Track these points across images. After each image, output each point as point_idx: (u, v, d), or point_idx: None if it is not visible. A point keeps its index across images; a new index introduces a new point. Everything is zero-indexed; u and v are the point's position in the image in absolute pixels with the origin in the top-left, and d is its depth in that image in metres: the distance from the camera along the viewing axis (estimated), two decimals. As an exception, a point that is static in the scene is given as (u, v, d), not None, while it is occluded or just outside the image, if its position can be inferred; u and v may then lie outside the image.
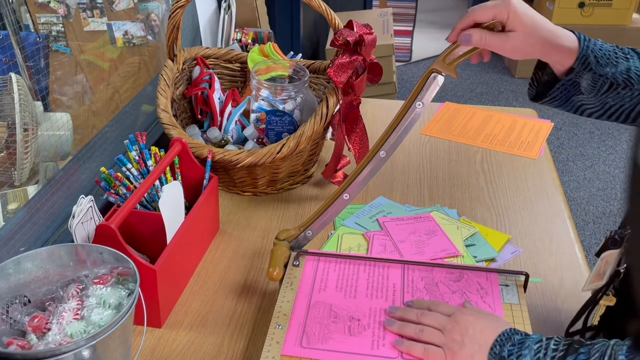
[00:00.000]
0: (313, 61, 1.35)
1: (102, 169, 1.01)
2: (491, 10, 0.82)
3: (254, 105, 1.25)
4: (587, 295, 0.84)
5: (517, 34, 0.81)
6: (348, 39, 1.12)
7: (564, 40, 0.83)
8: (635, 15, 3.95)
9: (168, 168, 1.05)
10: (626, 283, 0.79)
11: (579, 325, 0.86)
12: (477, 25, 0.85)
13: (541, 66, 0.92)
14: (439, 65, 0.87)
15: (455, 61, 0.87)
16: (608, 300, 0.80)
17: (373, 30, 1.14)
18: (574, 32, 0.85)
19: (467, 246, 1.08)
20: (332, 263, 0.97)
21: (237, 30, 1.76)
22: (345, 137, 1.21)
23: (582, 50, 0.84)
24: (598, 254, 0.83)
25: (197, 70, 1.35)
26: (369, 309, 0.88)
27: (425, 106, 0.89)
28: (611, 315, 0.82)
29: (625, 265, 0.78)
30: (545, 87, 0.91)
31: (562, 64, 0.85)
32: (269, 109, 1.23)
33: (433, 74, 0.87)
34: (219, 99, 1.34)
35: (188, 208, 1.04)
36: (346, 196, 0.95)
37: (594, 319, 0.83)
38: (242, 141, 1.29)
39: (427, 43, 4.66)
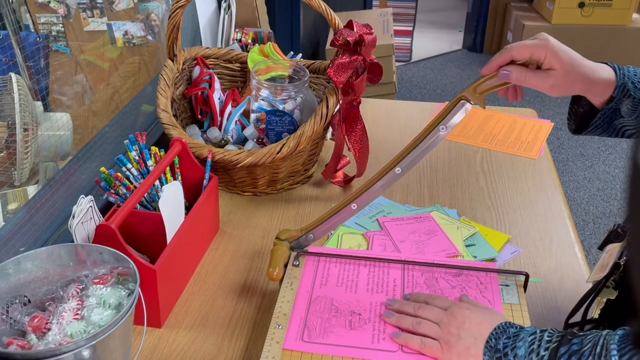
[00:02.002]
0: (313, 61, 1.35)
1: (102, 169, 1.01)
2: (529, 49, 0.83)
3: (254, 105, 1.25)
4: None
5: (557, 72, 0.82)
6: (348, 39, 1.12)
7: (601, 74, 0.85)
8: (635, 15, 3.95)
9: (168, 168, 1.05)
10: (626, 276, 0.80)
11: (578, 317, 0.87)
12: (513, 61, 0.85)
13: (576, 99, 0.94)
14: (469, 93, 0.87)
15: (486, 92, 0.87)
16: (609, 294, 0.81)
17: (373, 30, 1.14)
18: (607, 64, 0.87)
19: (467, 246, 1.08)
20: (332, 263, 0.97)
21: (237, 30, 1.76)
22: (345, 137, 1.21)
23: (619, 79, 0.86)
24: (601, 247, 0.84)
25: (197, 70, 1.35)
26: (370, 303, 0.89)
27: (448, 131, 0.89)
28: (612, 308, 0.83)
29: (625, 258, 0.79)
30: (585, 118, 0.93)
31: (602, 96, 0.87)
32: (269, 109, 1.23)
33: (462, 101, 0.87)
34: (219, 99, 1.34)
35: (188, 208, 1.04)
36: (354, 206, 0.95)
37: (595, 312, 0.84)
38: (242, 141, 1.29)
39: (427, 43, 4.66)
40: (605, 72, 0.86)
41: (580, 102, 0.93)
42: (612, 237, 0.82)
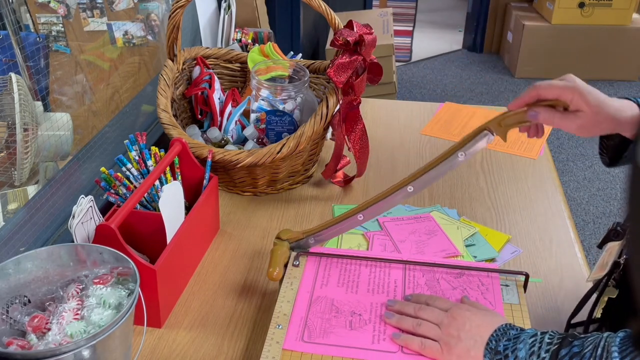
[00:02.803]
0: (313, 61, 1.35)
1: (102, 169, 1.01)
2: (557, 90, 0.83)
3: (254, 105, 1.25)
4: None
5: (585, 114, 0.82)
6: (348, 39, 1.12)
7: (627, 113, 0.84)
8: (635, 15, 3.95)
9: (168, 168, 1.05)
10: (626, 274, 0.80)
11: (580, 317, 0.87)
12: (540, 99, 0.85)
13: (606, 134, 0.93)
14: (494, 125, 0.87)
15: (511, 127, 0.87)
16: (610, 292, 0.81)
17: (373, 30, 1.14)
18: (629, 99, 0.87)
19: (467, 246, 1.08)
20: (333, 263, 0.97)
21: (237, 30, 1.76)
22: (345, 137, 1.21)
23: None
24: (600, 246, 0.84)
25: (197, 70, 1.35)
26: (370, 304, 0.89)
27: (467, 158, 0.89)
28: (613, 308, 0.83)
29: (625, 257, 0.79)
30: (617, 151, 0.92)
31: (630, 132, 0.86)
32: (269, 109, 1.23)
33: (485, 132, 0.88)
34: (219, 99, 1.34)
35: (188, 208, 1.04)
36: (360, 217, 0.95)
37: (597, 311, 0.84)
38: (242, 141, 1.29)
39: (427, 43, 4.66)
40: (630, 109, 0.85)
41: (610, 135, 0.92)
42: (611, 235, 0.82)
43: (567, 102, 0.83)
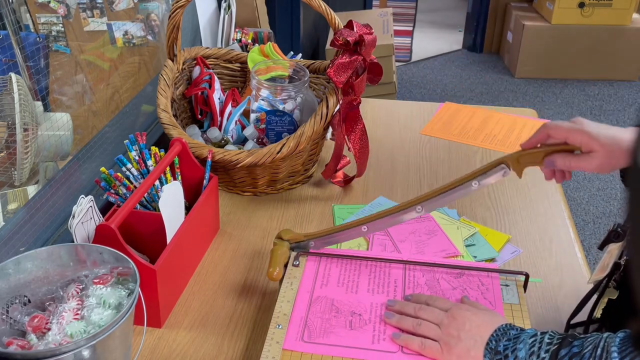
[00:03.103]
0: (313, 61, 1.35)
1: (102, 169, 1.01)
2: (565, 132, 0.83)
3: (254, 105, 1.25)
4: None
5: (599, 153, 0.82)
6: (348, 39, 1.12)
7: None
8: (635, 15, 3.95)
9: (168, 168, 1.05)
10: (626, 276, 0.80)
11: (580, 317, 0.87)
12: (550, 139, 0.86)
13: None
14: (512, 161, 0.87)
15: (528, 165, 0.88)
16: (610, 293, 0.81)
17: (373, 30, 1.14)
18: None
19: (467, 246, 1.08)
20: (333, 263, 0.97)
21: (237, 30, 1.76)
22: (345, 137, 1.21)
23: None
24: (601, 247, 0.84)
25: (197, 70, 1.35)
26: (370, 304, 0.89)
27: (480, 187, 0.89)
28: (613, 308, 0.83)
29: (625, 258, 0.79)
30: None
31: None
32: (269, 109, 1.23)
33: (502, 165, 0.88)
34: (219, 99, 1.34)
35: (188, 208, 1.04)
36: (365, 229, 0.95)
37: (597, 312, 0.84)
38: (242, 141, 1.29)
39: (427, 43, 4.66)
40: None
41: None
42: (611, 237, 0.82)
43: (576, 144, 0.83)
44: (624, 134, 0.82)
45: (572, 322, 0.89)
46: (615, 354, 0.66)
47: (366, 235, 0.96)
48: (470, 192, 0.90)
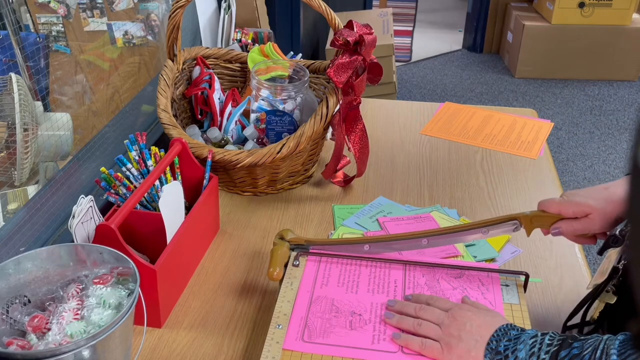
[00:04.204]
0: (313, 61, 1.35)
1: (102, 169, 1.01)
2: (557, 207, 0.87)
3: (254, 105, 1.25)
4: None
5: (595, 215, 0.85)
6: (348, 39, 1.12)
7: None
8: (635, 15, 3.95)
9: (168, 168, 1.05)
10: (625, 280, 0.80)
11: (577, 319, 0.87)
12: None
13: None
14: (525, 219, 0.90)
15: (539, 227, 0.90)
16: (608, 298, 0.81)
17: (373, 30, 1.14)
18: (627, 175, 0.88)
19: (467, 246, 1.08)
20: (333, 263, 0.97)
21: (237, 30, 1.76)
22: (345, 137, 1.21)
23: None
24: (600, 253, 0.84)
25: (197, 70, 1.35)
26: (370, 304, 0.89)
27: (488, 236, 0.92)
28: (611, 312, 0.83)
29: (623, 262, 0.79)
30: None
31: None
32: (269, 109, 1.23)
33: (514, 222, 0.90)
34: (219, 99, 1.34)
35: (188, 208, 1.04)
36: (367, 247, 0.97)
37: (594, 313, 0.84)
38: (242, 141, 1.29)
39: (427, 43, 4.66)
40: None
41: None
42: (610, 241, 0.83)
43: (569, 216, 0.86)
44: (616, 189, 0.85)
45: (569, 324, 0.89)
46: (615, 356, 0.66)
47: (366, 253, 0.97)
48: (477, 238, 0.93)
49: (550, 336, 0.74)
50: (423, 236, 0.93)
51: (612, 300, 0.81)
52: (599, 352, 0.68)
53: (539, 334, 0.75)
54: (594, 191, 0.86)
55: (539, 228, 0.90)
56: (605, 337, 0.70)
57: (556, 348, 0.72)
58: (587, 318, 0.86)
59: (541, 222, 0.89)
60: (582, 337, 0.72)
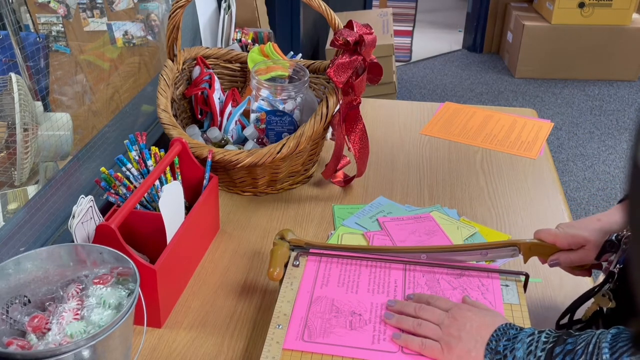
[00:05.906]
0: (313, 61, 1.35)
1: (102, 169, 1.01)
2: (553, 237, 0.89)
3: (254, 105, 1.25)
4: None
5: (590, 245, 0.87)
6: (348, 39, 1.12)
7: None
8: (635, 15, 3.95)
9: (168, 168, 1.05)
10: (620, 283, 0.80)
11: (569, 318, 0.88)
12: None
13: None
14: (525, 246, 0.91)
15: (536, 255, 0.91)
16: (604, 302, 0.82)
17: (373, 30, 1.14)
18: (620, 201, 0.90)
19: (467, 246, 1.08)
20: (333, 263, 0.97)
21: (237, 30, 1.76)
22: (345, 137, 1.21)
23: None
24: (597, 258, 0.85)
25: (197, 70, 1.35)
26: (371, 304, 0.89)
27: (486, 259, 0.94)
28: (603, 314, 0.84)
29: (619, 266, 0.80)
30: None
31: None
32: (269, 109, 1.23)
33: (514, 248, 0.92)
34: (219, 99, 1.34)
35: (188, 208, 1.04)
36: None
37: (587, 312, 0.85)
38: (242, 141, 1.29)
39: (427, 43, 4.66)
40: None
41: None
42: (607, 246, 0.83)
43: (564, 248, 0.88)
44: (609, 219, 0.87)
45: (561, 322, 0.90)
46: (606, 350, 0.67)
47: (367, 253, 0.97)
48: (475, 259, 0.94)
49: (547, 334, 0.75)
50: (423, 252, 0.95)
51: (608, 305, 0.81)
52: (591, 346, 0.69)
53: (536, 332, 0.76)
54: (588, 222, 0.88)
55: (536, 257, 0.91)
56: (598, 332, 0.71)
57: (551, 345, 0.72)
58: (579, 317, 0.86)
59: (539, 252, 0.91)
60: (577, 333, 0.73)
